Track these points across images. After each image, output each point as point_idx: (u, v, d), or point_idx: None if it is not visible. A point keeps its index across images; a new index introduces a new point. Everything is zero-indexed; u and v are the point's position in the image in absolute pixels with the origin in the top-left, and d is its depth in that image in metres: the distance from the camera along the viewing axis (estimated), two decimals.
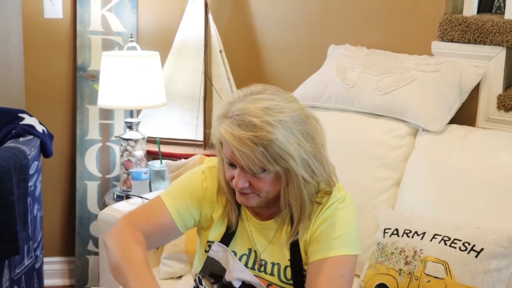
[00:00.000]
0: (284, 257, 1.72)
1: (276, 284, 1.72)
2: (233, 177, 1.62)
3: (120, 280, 1.61)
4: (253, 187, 1.62)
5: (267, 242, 1.74)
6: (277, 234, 1.73)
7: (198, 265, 1.82)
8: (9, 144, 2.69)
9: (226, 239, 1.75)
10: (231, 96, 1.63)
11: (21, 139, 2.76)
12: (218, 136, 1.60)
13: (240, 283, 1.70)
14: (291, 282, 1.71)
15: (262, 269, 1.73)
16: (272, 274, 1.72)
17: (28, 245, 2.75)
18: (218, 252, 1.73)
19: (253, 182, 1.61)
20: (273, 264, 1.73)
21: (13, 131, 2.79)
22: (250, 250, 1.75)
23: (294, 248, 1.70)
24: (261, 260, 1.74)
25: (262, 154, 1.54)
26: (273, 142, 1.53)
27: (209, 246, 1.76)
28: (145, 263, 1.61)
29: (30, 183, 2.71)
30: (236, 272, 1.70)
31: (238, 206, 1.75)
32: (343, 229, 1.67)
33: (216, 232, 1.76)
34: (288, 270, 1.71)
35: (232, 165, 1.61)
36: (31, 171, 2.69)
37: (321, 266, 1.64)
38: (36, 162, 2.74)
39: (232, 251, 1.74)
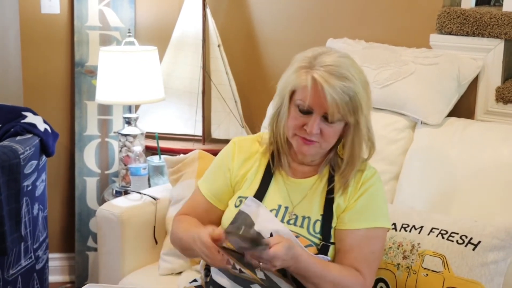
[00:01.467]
0: (315, 212, 1.83)
1: (303, 236, 1.80)
2: (303, 125, 1.74)
3: (181, 245, 1.89)
4: (322, 134, 1.75)
5: (301, 197, 1.85)
6: (312, 190, 1.85)
7: (226, 223, 1.88)
8: (3, 142, 2.65)
9: (259, 195, 1.86)
10: (306, 52, 1.77)
11: (18, 137, 2.72)
12: (303, 83, 1.71)
13: (269, 235, 1.74)
14: (319, 236, 1.79)
15: (291, 222, 1.82)
16: (301, 226, 1.81)
17: (23, 246, 2.72)
18: (250, 206, 1.80)
19: (324, 129, 1.74)
20: (303, 217, 1.82)
21: (12, 130, 2.76)
22: (280, 206, 1.85)
23: (329, 204, 1.82)
24: (292, 215, 1.83)
25: (346, 103, 1.70)
26: (356, 95, 1.71)
27: (240, 201, 1.86)
28: (192, 220, 1.89)
29: (27, 183, 2.68)
30: (268, 222, 1.77)
31: (278, 160, 1.88)
32: (380, 201, 1.85)
33: (248, 188, 1.89)
34: (318, 224, 1.81)
35: (307, 112, 1.73)
36: (28, 171, 2.67)
37: (359, 239, 1.78)
38: (34, 161, 2.71)
39: None
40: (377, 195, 1.84)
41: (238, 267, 1.80)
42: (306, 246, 1.77)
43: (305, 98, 1.72)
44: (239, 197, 1.88)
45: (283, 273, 1.78)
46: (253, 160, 1.92)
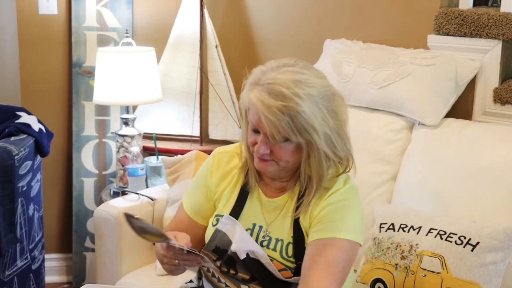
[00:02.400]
0: (287, 234, 1.75)
1: (277, 260, 1.74)
2: (256, 143, 1.68)
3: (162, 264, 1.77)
4: (273, 154, 1.67)
5: (274, 216, 1.78)
6: (284, 210, 1.78)
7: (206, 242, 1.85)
8: None
9: (234, 213, 1.80)
10: (264, 65, 1.69)
11: (12, 138, 2.71)
12: (247, 102, 1.66)
13: (245, 255, 1.74)
14: (291, 259, 1.73)
15: (265, 243, 1.77)
16: (274, 249, 1.75)
17: (18, 246, 2.71)
18: (226, 224, 1.78)
19: (274, 149, 1.67)
20: (276, 240, 1.76)
21: (6, 130, 2.75)
22: (254, 225, 1.80)
23: (297, 225, 1.74)
24: (266, 235, 1.78)
25: (287, 124, 1.60)
26: (299, 114, 1.60)
27: (217, 220, 1.81)
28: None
29: (22, 183, 2.67)
30: (244, 242, 1.74)
31: (253, 177, 1.81)
32: (347, 215, 1.70)
33: (225, 206, 1.83)
34: (290, 247, 1.74)
35: (256, 131, 1.67)
36: (22, 171, 2.66)
37: (320, 247, 1.66)
38: (28, 162, 2.70)
39: None
40: (343, 208, 1.70)
41: (223, 281, 1.80)
42: (280, 270, 1.73)
43: (251, 117, 1.66)
44: (216, 215, 1.84)
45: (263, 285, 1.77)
46: (231, 176, 1.85)
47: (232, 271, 1.77)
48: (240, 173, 1.84)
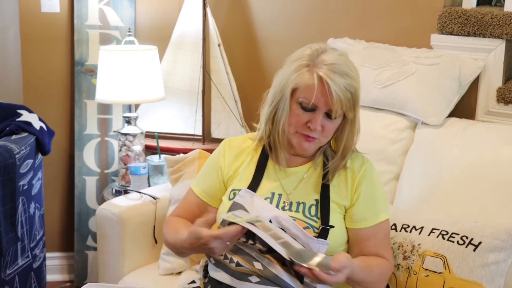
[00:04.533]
0: (310, 197, 1.89)
1: (300, 219, 1.84)
2: (306, 122, 1.80)
3: (172, 248, 1.93)
4: (323, 130, 1.81)
5: (294, 185, 1.91)
6: (306, 178, 1.91)
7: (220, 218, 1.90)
8: None
9: (252, 187, 1.91)
10: (307, 48, 1.82)
11: (13, 136, 2.71)
12: (305, 81, 1.77)
13: (268, 221, 1.80)
14: (314, 218, 1.85)
15: (286, 207, 1.87)
16: (297, 211, 1.86)
17: (20, 245, 2.71)
18: (244, 197, 1.87)
19: (325, 125, 1.81)
20: (298, 203, 1.88)
21: (7, 128, 2.75)
22: (273, 194, 1.90)
23: (324, 190, 1.88)
24: (286, 201, 1.88)
25: (348, 100, 1.78)
26: (356, 91, 1.80)
27: (234, 194, 1.90)
28: (177, 222, 1.95)
29: (23, 182, 2.67)
30: (266, 210, 1.83)
31: (271, 153, 1.94)
32: (380, 191, 1.93)
33: (241, 181, 1.93)
34: (313, 208, 1.87)
35: (310, 110, 1.79)
36: (23, 170, 2.66)
37: (373, 231, 1.88)
38: (29, 160, 2.70)
39: None
40: (376, 185, 1.91)
41: (235, 260, 1.80)
42: (303, 229, 1.81)
43: (310, 96, 1.77)
44: (232, 190, 1.92)
45: (282, 262, 1.79)
46: (245, 155, 1.97)
47: (250, 241, 1.81)
48: (254, 152, 1.96)
